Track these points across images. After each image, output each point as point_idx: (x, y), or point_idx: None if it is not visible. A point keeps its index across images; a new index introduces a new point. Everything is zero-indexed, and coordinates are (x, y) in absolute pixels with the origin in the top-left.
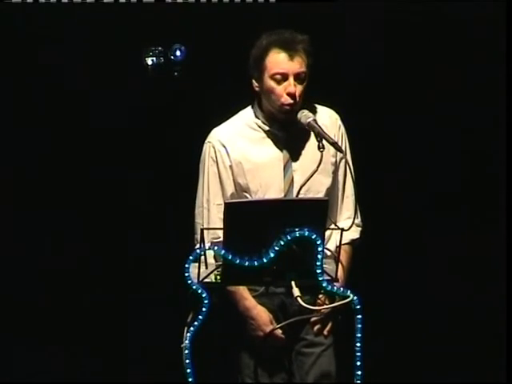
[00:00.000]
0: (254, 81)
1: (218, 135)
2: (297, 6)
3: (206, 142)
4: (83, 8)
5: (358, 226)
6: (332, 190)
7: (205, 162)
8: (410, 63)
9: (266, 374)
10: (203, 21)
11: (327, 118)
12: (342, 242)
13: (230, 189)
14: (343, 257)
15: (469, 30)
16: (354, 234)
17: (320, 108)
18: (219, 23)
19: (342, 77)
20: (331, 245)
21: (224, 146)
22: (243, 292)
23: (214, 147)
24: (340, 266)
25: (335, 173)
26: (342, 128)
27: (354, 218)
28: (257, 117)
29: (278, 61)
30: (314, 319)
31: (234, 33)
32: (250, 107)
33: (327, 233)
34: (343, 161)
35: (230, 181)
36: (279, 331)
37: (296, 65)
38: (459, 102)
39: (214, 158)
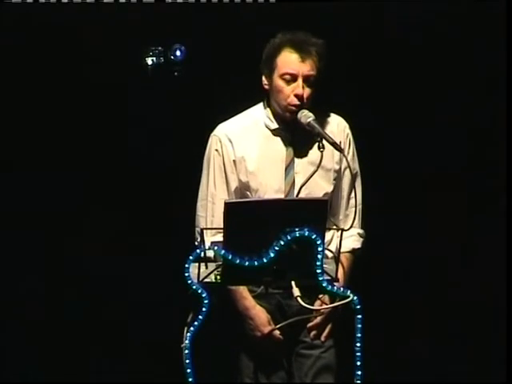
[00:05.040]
0: (263, 78)
1: (225, 129)
2: (297, 6)
3: (211, 135)
4: (83, 8)
5: (361, 236)
6: (336, 197)
7: (210, 155)
8: (410, 63)
9: (266, 374)
10: (203, 21)
11: (335, 125)
12: (344, 250)
13: (234, 183)
14: (344, 262)
15: (469, 30)
16: (356, 243)
17: (328, 115)
18: (219, 23)
19: (342, 77)
20: (332, 248)
21: (230, 141)
22: (243, 291)
23: (220, 141)
24: (340, 269)
25: (338, 180)
26: (350, 136)
27: (353, 223)
28: (265, 116)
29: (289, 61)
30: (312, 324)
31: (234, 33)
32: (260, 105)
33: (329, 237)
34: (348, 170)
35: (234, 175)
36: (277, 332)
37: (306, 67)
38: (459, 102)
39: (220, 152)
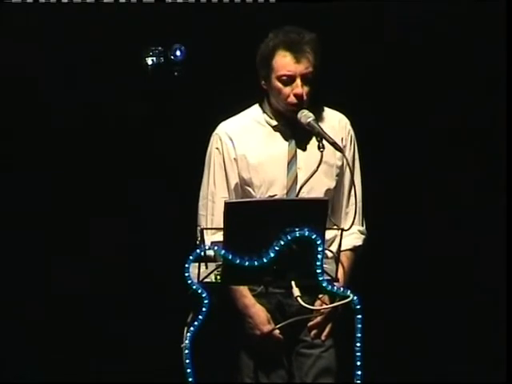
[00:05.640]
0: (261, 79)
1: (226, 128)
2: (297, 6)
3: (213, 134)
4: (83, 8)
5: (362, 233)
6: (337, 194)
7: (211, 153)
8: (410, 63)
9: (266, 374)
10: (203, 21)
11: (336, 122)
12: (345, 248)
13: (233, 181)
14: (344, 262)
15: (469, 30)
16: (357, 240)
17: (330, 111)
18: (219, 23)
19: (341, 77)
20: (333, 248)
21: (230, 139)
22: (243, 290)
23: (220, 139)
24: (340, 269)
25: (340, 176)
26: (352, 133)
27: (353, 222)
28: (265, 112)
29: (285, 63)
30: (312, 323)
31: (233, 33)
32: (260, 103)
33: (330, 236)
34: (349, 167)
35: (234, 174)
36: (277, 331)
37: (303, 66)
38: (459, 102)
39: (220, 150)
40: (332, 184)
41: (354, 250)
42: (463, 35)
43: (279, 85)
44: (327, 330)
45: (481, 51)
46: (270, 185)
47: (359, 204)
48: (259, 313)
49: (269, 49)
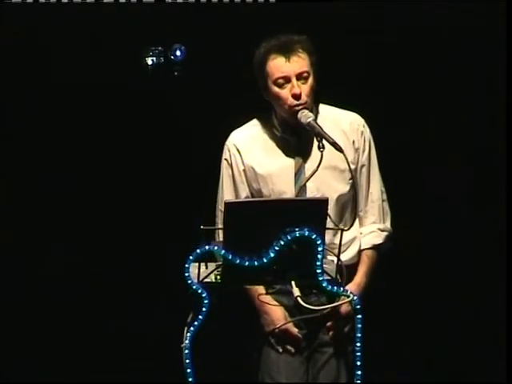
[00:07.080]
0: (261, 90)
1: (234, 139)
2: (297, 6)
3: (225, 144)
4: (83, 8)
5: (382, 230)
6: (356, 195)
7: (222, 164)
8: (410, 63)
9: (283, 371)
10: (203, 21)
11: (347, 125)
12: (365, 247)
13: (243, 193)
14: (365, 261)
15: (469, 30)
16: (377, 239)
17: (342, 113)
18: (219, 23)
19: (341, 77)
20: (353, 250)
21: (238, 151)
22: (258, 288)
23: (229, 150)
24: (360, 270)
25: (355, 180)
26: (366, 134)
27: (353, 222)
28: (272, 123)
29: (277, 66)
30: (330, 323)
31: (233, 33)
32: (267, 114)
33: (348, 239)
34: (365, 167)
35: (243, 185)
36: (295, 329)
37: (295, 65)
38: (459, 102)
39: (229, 161)
40: (345, 189)
41: (374, 248)
42: (463, 35)
43: (277, 89)
44: (344, 330)
45: (481, 51)
46: (280, 195)
47: (379, 202)
48: (275, 309)
49: (260, 56)
